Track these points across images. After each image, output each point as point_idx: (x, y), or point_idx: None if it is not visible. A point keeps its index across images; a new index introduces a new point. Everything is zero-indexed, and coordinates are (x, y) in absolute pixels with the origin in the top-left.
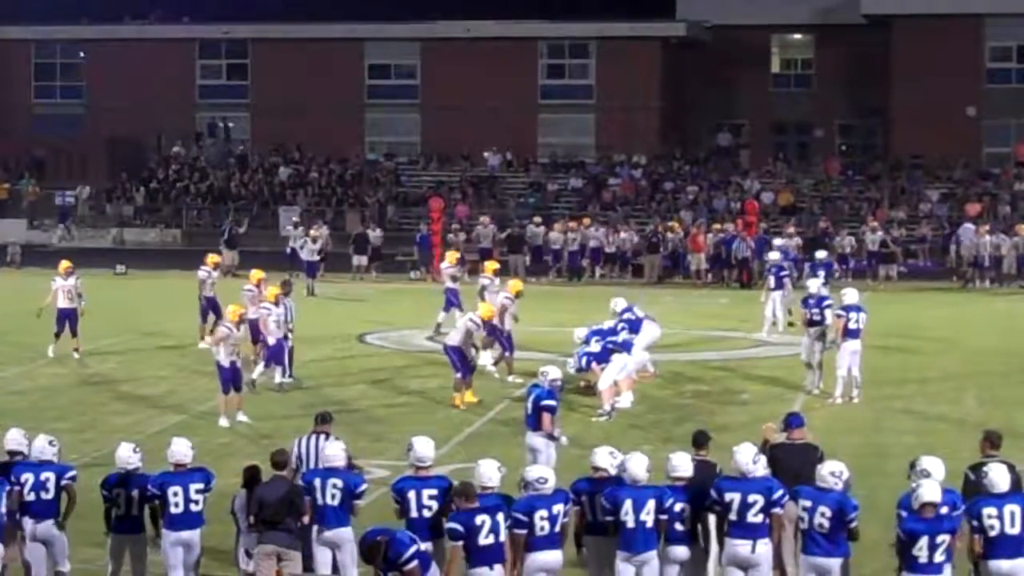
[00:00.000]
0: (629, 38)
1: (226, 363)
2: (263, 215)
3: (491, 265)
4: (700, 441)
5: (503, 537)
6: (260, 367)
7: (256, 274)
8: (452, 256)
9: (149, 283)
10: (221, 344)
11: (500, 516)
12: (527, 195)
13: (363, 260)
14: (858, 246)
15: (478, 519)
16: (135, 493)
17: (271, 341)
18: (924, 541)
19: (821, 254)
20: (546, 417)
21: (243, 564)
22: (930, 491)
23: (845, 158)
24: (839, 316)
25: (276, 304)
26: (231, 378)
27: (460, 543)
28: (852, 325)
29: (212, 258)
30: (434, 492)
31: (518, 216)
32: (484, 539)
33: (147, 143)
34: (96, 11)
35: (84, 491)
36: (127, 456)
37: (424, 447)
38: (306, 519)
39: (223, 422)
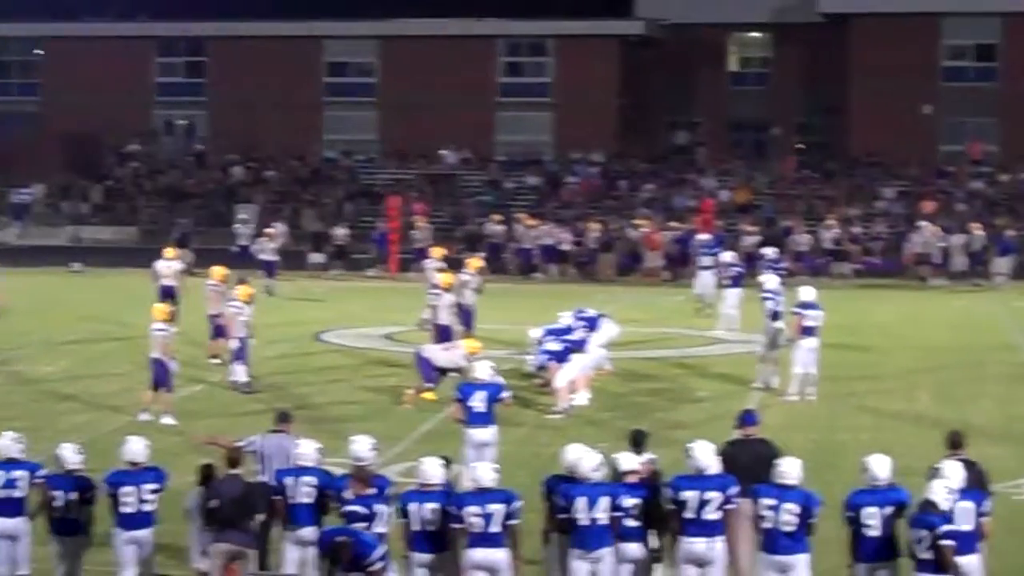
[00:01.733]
0: (587, 36)
1: (164, 360)
2: (220, 213)
3: (475, 262)
4: (637, 440)
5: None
6: (233, 368)
7: (219, 271)
8: (438, 251)
9: (105, 281)
10: (161, 343)
11: (392, 507)
12: (484, 193)
13: (321, 258)
14: (815, 243)
15: (376, 507)
16: (75, 495)
17: (234, 341)
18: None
19: (769, 251)
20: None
21: (198, 563)
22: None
23: (802, 156)
24: (795, 314)
25: (248, 303)
26: (164, 376)
27: (366, 524)
28: (809, 323)
29: (170, 251)
30: (372, 491)
31: (477, 214)
32: (379, 528)
33: (103, 141)
34: (52, 8)
35: None
36: (70, 456)
37: (360, 446)
38: (261, 517)
39: (143, 416)
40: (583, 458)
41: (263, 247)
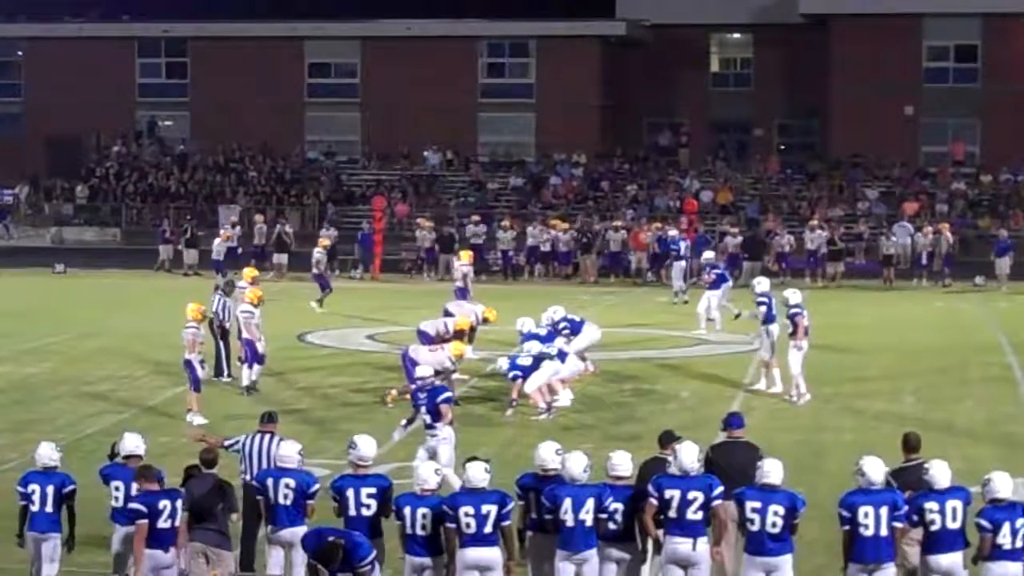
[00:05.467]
0: (569, 37)
1: (193, 360)
2: (203, 214)
3: (466, 253)
4: (664, 440)
5: (179, 522)
6: (253, 371)
7: (250, 272)
8: (466, 254)
9: (88, 282)
10: (194, 345)
11: (179, 503)
12: (467, 194)
13: (283, 259)
14: (797, 245)
15: (160, 503)
16: (52, 492)
17: (251, 344)
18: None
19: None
20: (444, 408)
21: (182, 564)
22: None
23: (784, 157)
24: (795, 316)
25: (257, 306)
26: (199, 377)
27: (145, 521)
28: (805, 323)
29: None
30: (372, 491)
31: (459, 215)
32: (163, 523)
33: (86, 142)
34: (35, 9)
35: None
36: (48, 454)
37: (366, 446)
38: (234, 516)
39: (200, 420)
40: (570, 459)
41: (218, 248)
